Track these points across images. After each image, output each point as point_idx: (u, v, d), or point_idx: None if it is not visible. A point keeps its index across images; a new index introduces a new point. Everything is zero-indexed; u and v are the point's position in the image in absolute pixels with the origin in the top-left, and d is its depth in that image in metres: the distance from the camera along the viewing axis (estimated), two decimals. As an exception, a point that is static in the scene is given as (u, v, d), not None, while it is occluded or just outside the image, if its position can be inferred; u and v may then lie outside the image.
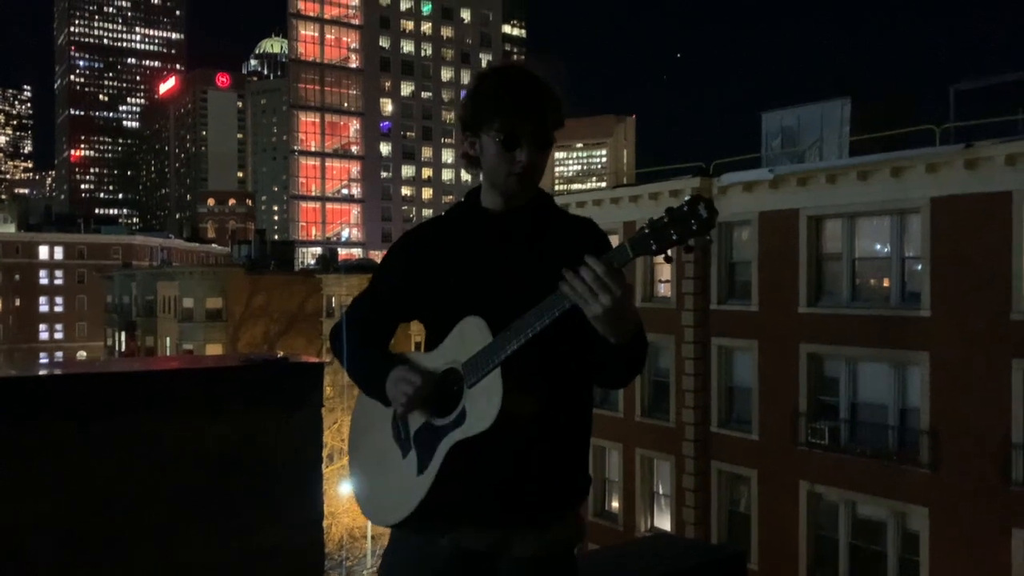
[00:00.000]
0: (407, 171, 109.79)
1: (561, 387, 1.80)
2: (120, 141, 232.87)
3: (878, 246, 17.45)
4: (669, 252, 1.54)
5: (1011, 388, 14.65)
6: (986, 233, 15.08)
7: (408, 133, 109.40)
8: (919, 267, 16.29)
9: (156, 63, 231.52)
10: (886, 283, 17.17)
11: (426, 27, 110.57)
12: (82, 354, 78.45)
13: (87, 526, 1.97)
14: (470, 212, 1.92)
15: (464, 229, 1.90)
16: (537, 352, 1.67)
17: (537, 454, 1.78)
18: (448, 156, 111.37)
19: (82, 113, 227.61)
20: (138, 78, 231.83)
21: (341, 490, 27.03)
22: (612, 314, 1.55)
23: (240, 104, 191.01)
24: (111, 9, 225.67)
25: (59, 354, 79.43)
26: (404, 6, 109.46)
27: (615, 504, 22.47)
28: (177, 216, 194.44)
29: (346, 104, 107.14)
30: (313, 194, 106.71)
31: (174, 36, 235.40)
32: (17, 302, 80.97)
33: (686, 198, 1.53)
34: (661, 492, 21.47)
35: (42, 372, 2.13)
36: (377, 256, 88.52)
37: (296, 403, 2.26)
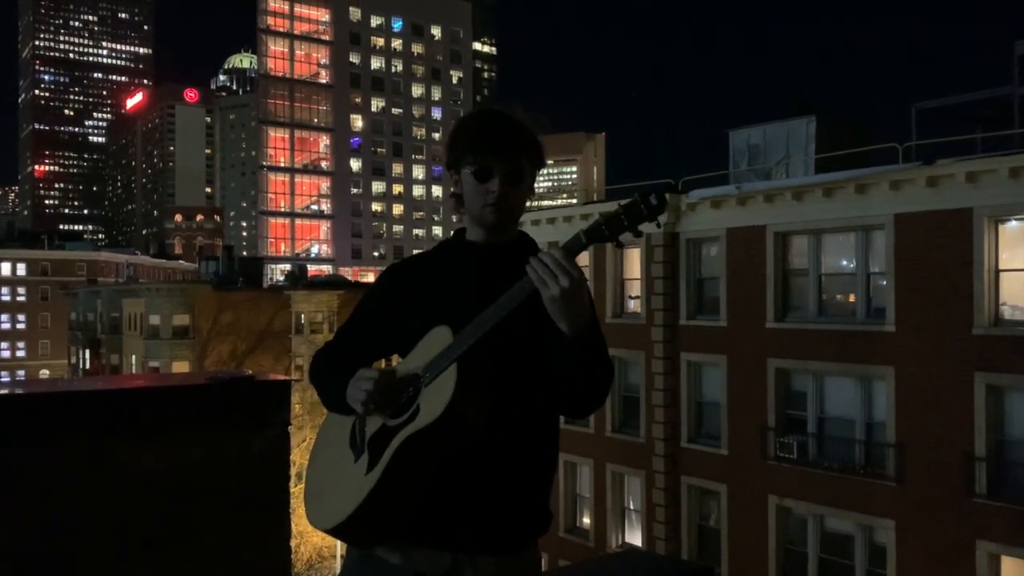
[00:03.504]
0: (377, 187, 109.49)
1: (516, 393, 1.80)
2: (86, 156, 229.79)
3: (844, 262, 17.70)
4: (620, 238, 1.63)
5: (973, 402, 14.89)
6: (948, 249, 15.36)
7: (378, 149, 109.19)
8: (884, 283, 16.53)
9: (123, 78, 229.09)
10: (852, 298, 17.40)
11: (396, 43, 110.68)
12: (45, 372, 77.00)
13: (43, 555, 1.93)
14: (455, 246, 1.99)
15: (448, 261, 1.97)
16: (495, 354, 1.72)
17: (497, 478, 1.78)
18: (419, 172, 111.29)
19: (47, 128, 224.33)
20: (104, 93, 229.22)
21: (310, 509, 26.71)
22: (567, 296, 1.62)
23: (208, 119, 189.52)
24: (77, 23, 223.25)
25: (21, 373, 77.87)
26: (374, 22, 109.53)
27: (586, 520, 22.43)
28: (144, 232, 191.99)
29: (316, 120, 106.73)
30: (282, 210, 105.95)
31: (142, 51, 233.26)
32: (-22, 319, 79.38)
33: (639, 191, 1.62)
34: (632, 507, 21.48)
35: (2, 392, 2.09)
36: (347, 272, 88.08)
37: (264, 421, 2.24)
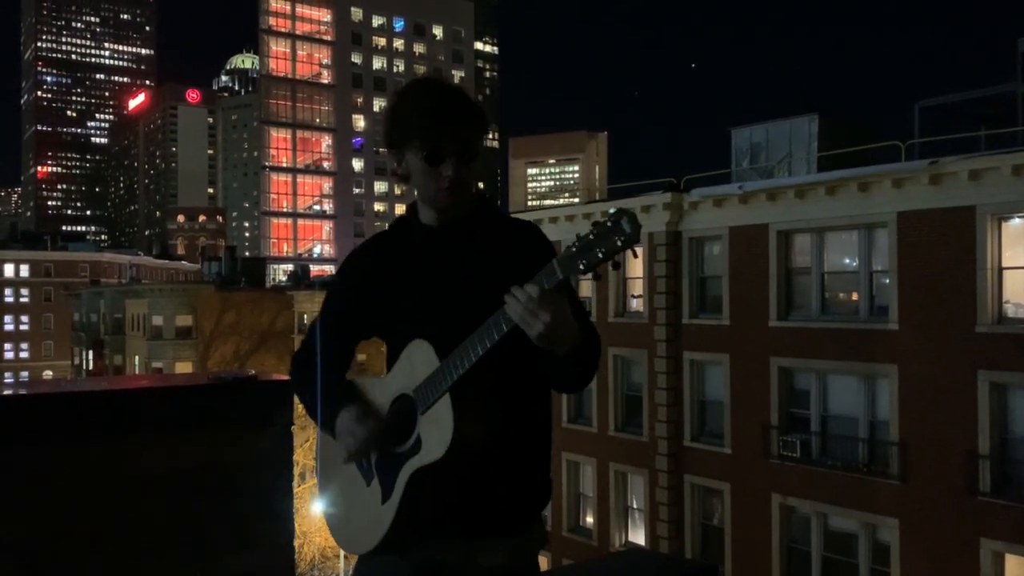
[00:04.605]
0: (379, 187, 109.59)
1: (514, 407, 1.79)
2: (88, 157, 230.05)
3: (847, 260, 17.67)
4: (598, 270, 1.53)
5: (977, 400, 14.87)
6: (951, 247, 15.34)
7: (380, 149, 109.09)
8: (887, 281, 16.51)
9: (125, 79, 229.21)
10: (855, 297, 17.38)
11: (398, 43, 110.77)
12: (48, 373, 77.12)
13: (48, 554, 1.93)
14: (409, 228, 1.91)
15: (404, 246, 1.90)
16: (487, 374, 1.67)
17: (498, 469, 1.78)
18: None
19: (49, 129, 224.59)
20: (107, 94, 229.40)
21: (313, 509, 26.75)
22: (551, 331, 1.57)
23: (211, 120, 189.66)
24: (79, 24, 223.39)
25: (24, 374, 77.98)
26: (376, 22, 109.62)
27: (589, 519, 22.42)
28: (146, 233, 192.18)
29: (318, 120, 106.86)
30: (284, 210, 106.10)
31: (144, 52, 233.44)
32: (-19, 321, 79.49)
33: (611, 210, 1.53)
34: (635, 506, 21.47)
35: (5, 392, 2.09)
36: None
37: (266, 422, 2.23)
